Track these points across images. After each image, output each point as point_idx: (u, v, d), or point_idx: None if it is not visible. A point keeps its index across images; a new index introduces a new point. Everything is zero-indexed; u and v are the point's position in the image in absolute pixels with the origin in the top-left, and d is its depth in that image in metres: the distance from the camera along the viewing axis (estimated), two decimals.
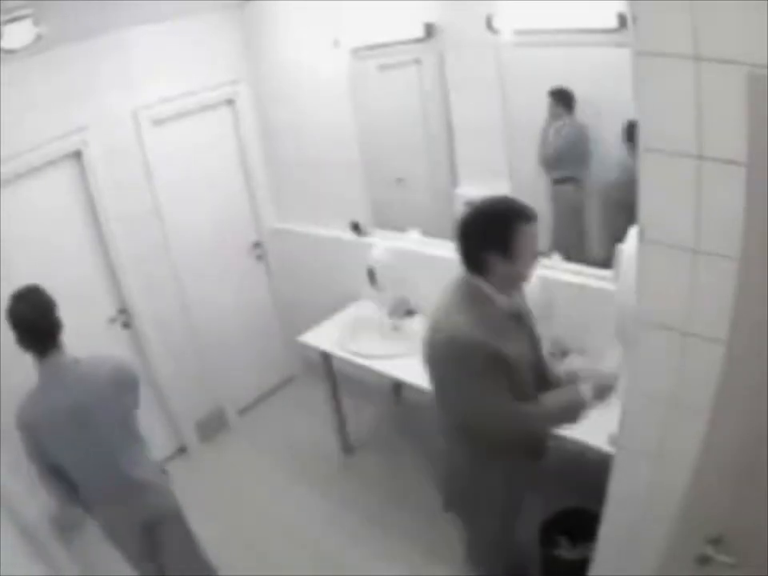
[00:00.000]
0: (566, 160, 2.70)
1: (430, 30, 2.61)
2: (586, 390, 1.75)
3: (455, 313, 1.70)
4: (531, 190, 2.73)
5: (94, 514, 2.22)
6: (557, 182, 2.75)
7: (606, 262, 2.32)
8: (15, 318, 1.99)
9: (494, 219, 1.67)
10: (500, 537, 1.99)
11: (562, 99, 2.55)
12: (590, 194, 2.70)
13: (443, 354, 1.72)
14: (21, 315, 1.98)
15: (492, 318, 1.70)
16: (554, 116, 2.61)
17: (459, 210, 1.81)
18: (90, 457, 2.06)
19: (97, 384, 2.06)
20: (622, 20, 1.96)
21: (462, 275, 1.76)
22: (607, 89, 2.28)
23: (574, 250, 2.68)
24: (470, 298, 1.72)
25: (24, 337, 1.98)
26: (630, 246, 1.73)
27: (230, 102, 3.62)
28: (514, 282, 1.76)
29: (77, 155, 3.03)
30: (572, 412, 1.76)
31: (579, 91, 2.52)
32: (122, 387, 2.11)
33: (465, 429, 1.81)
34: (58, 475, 2.08)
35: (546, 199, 2.75)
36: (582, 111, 2.55)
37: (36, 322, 1.98)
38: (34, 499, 2.61)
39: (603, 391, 1.77)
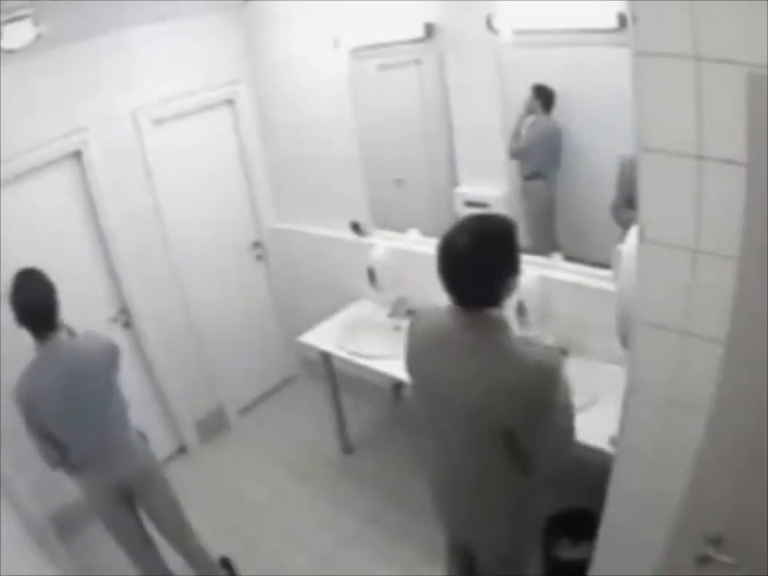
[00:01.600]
0: (535, 155, 2.71)
1: (429, 30, 2.61)
2: None
3: (508, 343, 1.52)
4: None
5: (80, 479, 2.33)
6: (527, 177, 2.77)
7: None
8: (18, 306, 2.11)
9: (509, 238, 1.53)
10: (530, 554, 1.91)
11: (542, 96, 2.58)
12: (559, 192, 2.72)
13: (550, 381, 1.51)
14: (23, 303, 2.10)
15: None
16: (529, 110, 2.63)
17: (455, 218, 1.60)
18: (82, 423, 2.22)
19: (89, 358, 2.24)
20: (622, 20, 1.96)
21: (467, 316, 1.53)
22: (606, 88, 2.28)
23: (545, 245, 2.69)
24: (501, 327, 1.55)
25: (26, 321, 2.11)
26: (629, 245, 1.72)
27: (229, 102, 3.62)
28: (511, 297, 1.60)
29: (77, 155, 3.03)
30: None
31: (578, 91, 2.52)
32: (109, 359, 2.30)
33: (529, 456, 1.63)
34: (51, 442, 2.22)
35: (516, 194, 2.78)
36: (576, 111, 2.56)
37: (38, 308, 2.12)
38: (38, 496, 2.63)
39: None
